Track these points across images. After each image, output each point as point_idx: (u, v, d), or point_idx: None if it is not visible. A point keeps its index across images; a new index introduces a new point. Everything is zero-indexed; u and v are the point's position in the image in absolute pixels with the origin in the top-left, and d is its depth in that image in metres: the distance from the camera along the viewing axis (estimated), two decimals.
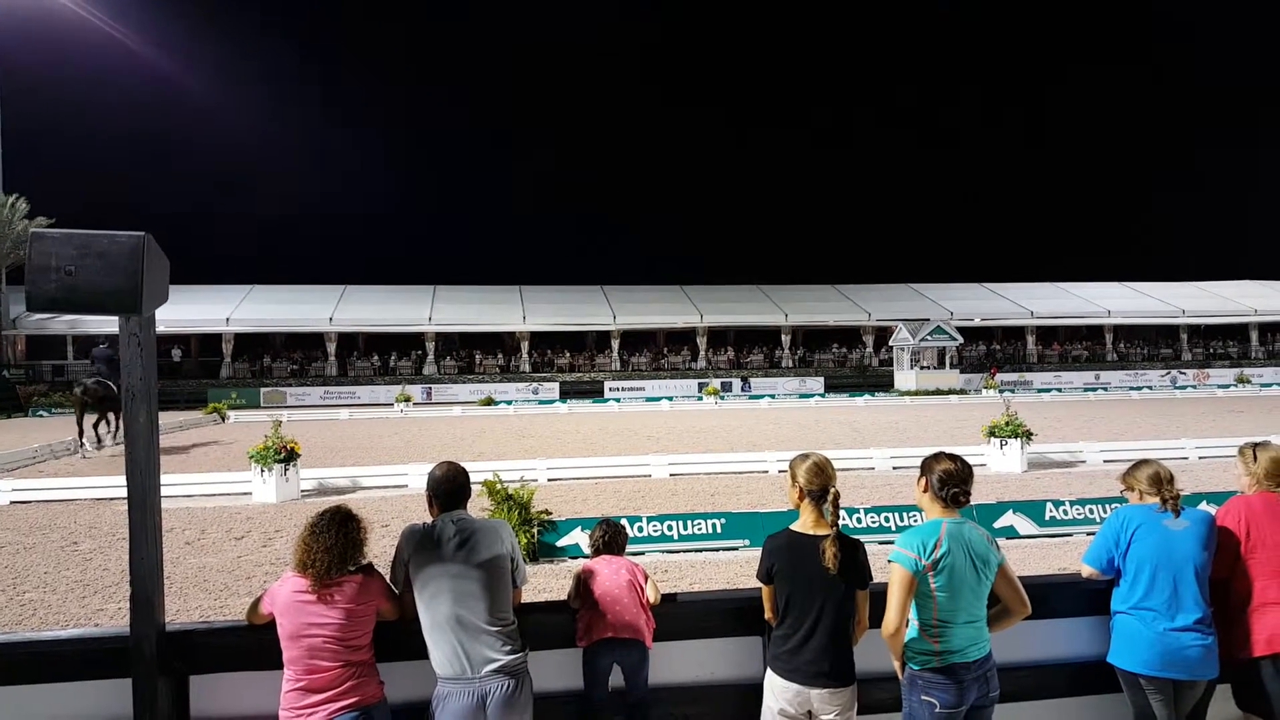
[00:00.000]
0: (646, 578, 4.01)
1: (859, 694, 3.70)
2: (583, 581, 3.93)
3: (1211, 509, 3.98)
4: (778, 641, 3.55)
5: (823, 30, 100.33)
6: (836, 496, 3.54)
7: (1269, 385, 43.85)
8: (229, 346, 46.26)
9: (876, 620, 3.70)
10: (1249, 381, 43.85)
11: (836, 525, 3.50)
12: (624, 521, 8.54)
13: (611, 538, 4.30)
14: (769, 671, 3.57)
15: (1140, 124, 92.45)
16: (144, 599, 3.26)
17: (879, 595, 3.72)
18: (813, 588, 3.44)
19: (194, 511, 12.62)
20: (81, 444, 20.64)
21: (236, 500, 13.56)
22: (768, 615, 3.64)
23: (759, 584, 3.64)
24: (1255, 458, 3.96)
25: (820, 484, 3.55)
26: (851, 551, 3.50)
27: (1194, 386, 45.22)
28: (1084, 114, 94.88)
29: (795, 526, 3.59)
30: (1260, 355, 53.56)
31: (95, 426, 21.13)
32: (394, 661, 3.56)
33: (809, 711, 3.48)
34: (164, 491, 3.68)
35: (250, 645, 3.51)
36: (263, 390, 42.88)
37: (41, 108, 64.48)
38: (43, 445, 20.23)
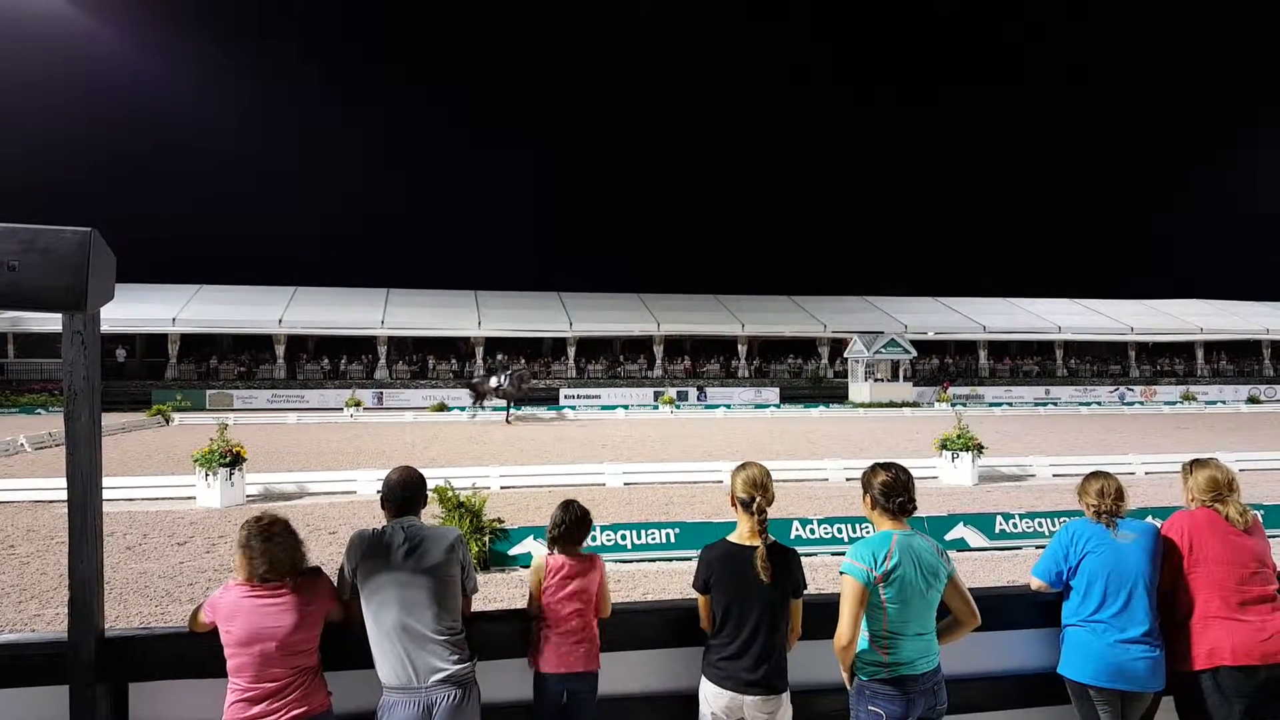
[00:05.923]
0: (601, 587, 3.87)
1: (807, 705, 3.70)
2: (534, 596, 3.81)
3: (1157, 523, 4.04)
4: (713, 650, 3.59)
5: (787, 37, 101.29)
6: (761, 506, 3.57)
7: (1213, 403, 44.93)
8: (175, 347, 45.19)
9: (809, 629, 3.72)
10: (1194, 399, 44.92)
11: (764, 534, 3.54)
12: None
13: (572, 526, 3.95)
14: (703, 679, 3.62)
15: (1093, 140, 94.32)
16: (83, 604, 3.18)
17: (814, 605, 3.74)
18: (749, 597, 3.49)
19: (135, 515, 12.37)
20: (479, 408, 33.73)
21: (180, 505, 13.32)
22: (704, 624, 3.69)
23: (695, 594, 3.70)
24: (1192, 473, 4.05)
25: (748, 493, 3.61)
26: (785, 561, 3.55)
27: (1141, 403, 46.20)
28: (1037, 128, 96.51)
29: (732, 537, 3.65)
30: (1205, 373, 54.80)
31: (476, 403, 33.87)
32: (339, 670, 3.50)
33: (741, 719, 3.51)
34: (105, 495, 3.58)
35: (192, 653, 3.43)
36: (208, 392, 42.00)
37: None
38: None
